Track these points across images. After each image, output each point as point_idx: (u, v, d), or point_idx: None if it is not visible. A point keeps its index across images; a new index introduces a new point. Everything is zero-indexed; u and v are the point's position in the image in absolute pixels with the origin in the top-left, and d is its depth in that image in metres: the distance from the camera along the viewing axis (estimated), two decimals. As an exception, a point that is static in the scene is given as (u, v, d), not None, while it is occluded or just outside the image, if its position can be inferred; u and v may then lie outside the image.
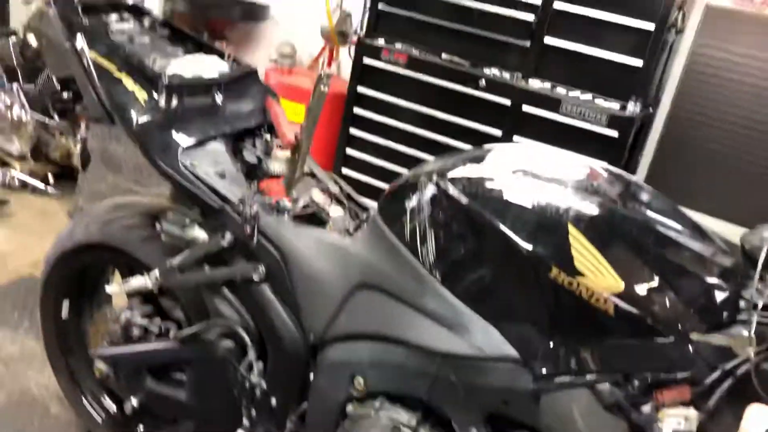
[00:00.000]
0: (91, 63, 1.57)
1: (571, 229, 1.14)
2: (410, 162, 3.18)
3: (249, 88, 1.78)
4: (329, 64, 3.66)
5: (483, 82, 2.96)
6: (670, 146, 2.80)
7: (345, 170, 3.39)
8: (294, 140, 1.61)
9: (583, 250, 1.12)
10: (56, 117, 3.79)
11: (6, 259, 3.15)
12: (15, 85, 3.81)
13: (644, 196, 1.29)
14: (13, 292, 2.78)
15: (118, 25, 1.74)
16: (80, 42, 1.59)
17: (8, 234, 3.40)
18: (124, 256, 1.78)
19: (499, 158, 1.35)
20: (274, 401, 1.54)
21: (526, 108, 2.89)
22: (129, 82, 1.55)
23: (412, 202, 1.35)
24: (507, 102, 2.92)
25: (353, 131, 3.33)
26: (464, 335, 1.24)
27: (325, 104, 3.48)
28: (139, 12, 1.86)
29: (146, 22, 1.84)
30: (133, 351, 1.75)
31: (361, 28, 3.59)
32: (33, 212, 3.67)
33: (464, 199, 1.24)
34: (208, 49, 1.83)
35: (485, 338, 1.22)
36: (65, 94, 1.58)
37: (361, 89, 3.27)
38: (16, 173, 3.83)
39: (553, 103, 2.83)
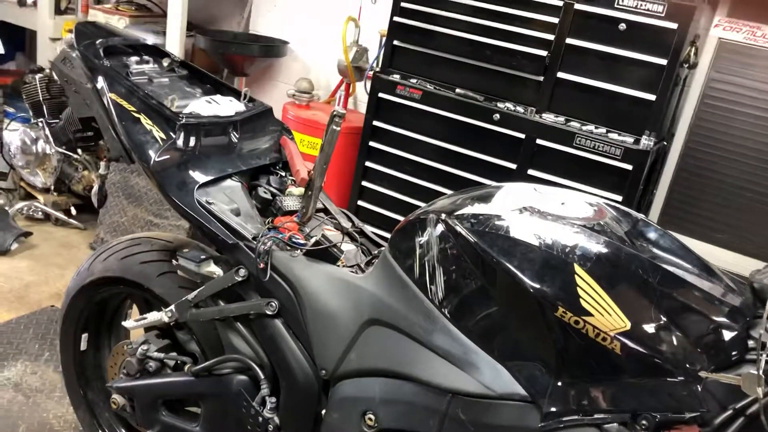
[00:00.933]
0: (111, 103, 1.63)
1: (578, 268, 1.16)
2: (425, 194, 3.20)
3: (264, 126, 1.83)
4: (346, 99, 3.72)
5: (497, 116, 2.98)
6: (685, 179, 2.79)
7: (361, 202, 3.42)
8: (307, 177, 1.64)
9: (589, 290, 1.13)
10: (79, 151, 3.89)
11: (29, 290, 3.21)
12: (41, 120, 3.93)
13: (651, 234, 1.30)
14: (35, 322, 2.83)
15: (138, 66, 1.81)
16: (101, 83, 1.65)
17: (31, 265, 3.47)
18: (142, 290, 1.82)
19: (506, 197, 1.37)
20: (286, 436, 1.56)
21: (540, 141, 2.90)
22: (147, 122, 1.61)
23: (421, 240, 1.38)
24: (521, 135, 2.94)
25: (369, 164, 3.36)
26: (473, 373, 1.25)
27: (341, 137, 3.52)
28: (158, 53, 1.92)
29: (165, 63, 1.90)
30: (149, 384, 1.78)
31: (377, 64, 3.66)
32: (55, 244, 3.75)
33: (472, 237, 1.26)
34: (225, 89, 1.89)
35: (494, 377, 1.23)
36: (88, 133, 1.64)
37: (376, 123, 3.31)
38: (40, 205, 3.92)
39: (566, 137, 2.84)
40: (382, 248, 1.64)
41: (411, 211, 3.23)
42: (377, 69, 3.35)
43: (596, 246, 1.20)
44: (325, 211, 1.79)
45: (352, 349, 1.46)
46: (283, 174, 1.82)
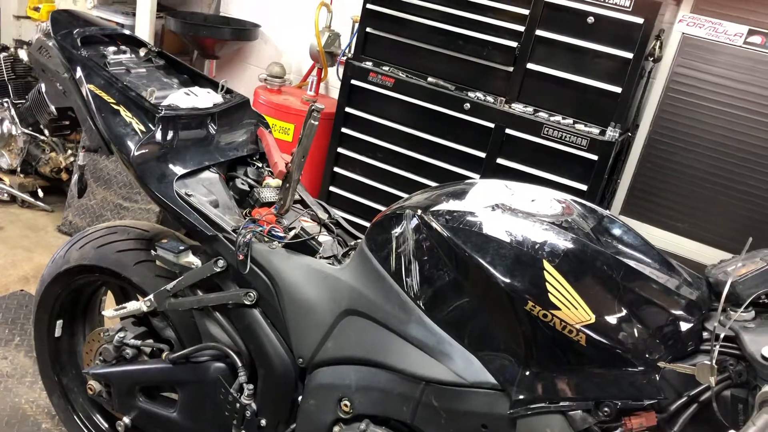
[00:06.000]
0: (89, 95, 1.63)
1: (546, 264, 1.22)
2: (396, 181, 3.25)
3: (241, 118, 1.85)
4: (318, 84, 3.73)
5: (467, 105, 3.03)
6: (648, 170, 2.88)
7: (332, 188, 3.45)
8: (285, 170, 1.67)
9: (557, 285, 1.20)
10: (46, 132, 3.83)
11: (-5, 274, 3.18)
12: (6, 100, 3.86)
13: (616, 231, 1.37)
14: (4, 307, 2.82)
15: (116, 56, 1.80)
16: (79, 74, 1.65)
17: (-3, 248, 3.43)
18: (118, 278, 1.84)
19: (480, 193, 1.43)
20: (263, 422, 1.60)
21: (509, 131, 2.97)
22: (127, 114, 1.62)
23: (397, 233, 1.43)
24: (491, 125, 3.00)
25: (341, 150, 3.39)
26: (446, 362, 1.31)
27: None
28: (135, 42, 1.92)
29: (142, 52, 1.90)
30: (126, 370, 1.80)
31: (350, 50, 3.67)
32: (22, 226, 3.70)
33: (446, 233, 1.31)
34: (202, 79, 1.90)
35: (465, 366, 1.29)
36: (64, 122, 1.63)
37: (348, 109, 3.34)
38: (5, 187, 3.86)
39: (535, 127, 2.91)
40: (359, 240, 1.68)
41: (382, 197, 3.31)
42: (350, 55, 3.36)
43: (564, 243, 1.27)
44: (302, 202, 1.83)
45: (328, 338, 1.51)
46: (260, 165, 1.85)
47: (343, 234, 1.76)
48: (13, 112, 3.82)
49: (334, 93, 3.88)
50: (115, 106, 1.62)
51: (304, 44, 3.81)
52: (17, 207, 3.89)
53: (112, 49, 1.82)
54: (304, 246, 1.61)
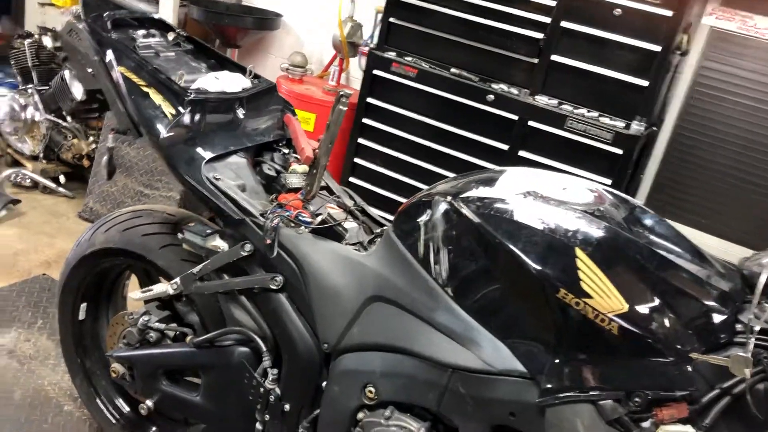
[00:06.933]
0: (120, 77, 1.64)
1: (579, 252, 1.21)
2: (417, 172, 3.24)
3: (268, 104, 1.84)
4: (339, 75, 3.72)
5: (491, 97, 3.01)
6: (673, 165, 2.86)
7: (352, 179, 3.45)
8: (312, 156, 1.67)
9: (589, 273, 1.19)
10: (69, 118, 3.86)
11: (18, 258, 3.21)
12: (30, 87, 3.89)
13: (648, 221, 1.36)
14: (27, 290, 2.85)
15: (145, 40, 1.81)
16: (110, 56, 1.66)
17: (19, 233, 3.46)
18: (143, 262, 1.84)
19: (510, 181, 1.42)
20: (287, 407, 1.60)
21: (533, 123, 2.94)
22: (156, 97, 1.62)
23: (426, 220, 1.42)
24: (514, 117, 2.98)
25: (361, 141, 3.39)
26: (474, 350, 1.31)
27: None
28: (164, 27, 1.92)
29: (170, 37, 1.91)
30: (150, 353, 1.81)
31: (372, 40, 3.66)
32: (43, 212, 3.73)
33: (477, 219, 1.30)
34: (230, 64, 1.90)
35: (494, 353, 1.28)
36: (93, 105, 1.64)
37: (370, 100, 3.33)
38: (28, 172, 3.90)
39: (558, 120, 2.88)
40: (385, 227, 1.68)
41: (403, 189, 3.30)
42: (373, 46, 3.35)
43: (597, 231, 1.25)
44: (328, 189, 1.82)
45: (354, 324, 1.50)
46: (286, 151, 1.85)
47: (368, 221, 1.76)
48: (36, 98, 3.85)
49: (356, 83, 3.87)
50: (145, 89, 1.63)
51: (325, 34, 3.81)
52: (39, 193, 3.92)
53: (141, 32, 1.83)
54: (330, 232, 1.61)
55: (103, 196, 3.71)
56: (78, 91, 3.74)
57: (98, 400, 2.10)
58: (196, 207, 3.50)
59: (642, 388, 1.17)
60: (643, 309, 1.18)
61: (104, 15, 1.75)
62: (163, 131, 1.60)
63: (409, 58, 3.23)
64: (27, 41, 3.92)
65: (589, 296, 1.18)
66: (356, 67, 3.80)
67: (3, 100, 3.84)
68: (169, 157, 1.60)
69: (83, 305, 2.07)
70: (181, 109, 1.62)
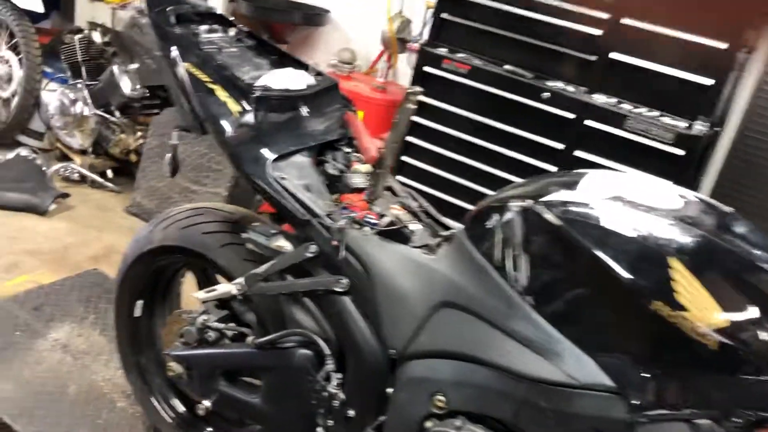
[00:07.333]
0: (185, 73, 1.61)
1: (674, 261, 1.14)
2: (467, 172, 3.18)
3: (331, 101, 1.80)
4: (388, 71, 3.68)
5: (546, 95, 2.94)
6: (737, 168, 2.76)
7: (400, 177, 3.40)
8: (377, 155, 1.63)
9: (686, 284, 1.12)
10: (117, 113, 3.88)
11: (68, 251, 3.24)
12: (79, 82, 3.92)
13: (742, 229, 1.28)
14: (78, 285, 2.85)
15: (207, 35, 1.78)
16: (175, 52, 1.63)
17: (69, 227, 3.49)
18: (203, 260, 1.82)
19: (592, 184, 1.35)
20: (351, 412, 1.56)
21: (589, 122, 2.86)
22: (222, 94, 1.59)
23: (502, 225, 1.36)
24: (570, 115, 2.90)
25: (410, 139, 3.34)
26: (556, 362, 1.25)
27: (381, 110, 3.47)
28: (225, 22, 1.89)
29: (232, 32, 1.87)
30: (209, 353, 1.79)
31: (420, 36, 3.61)
32: (91, 206, 3.76)
33: (561, 225, 1.24)
34: (292, 61, 1.86)
35: (579, 366, 1.22)
36: (154, 101, 1.61)
37: (420, 97, 3.27)
38: (76, 167, 3.93)
39: (617, 119, 2.80)
40: (453, 230, 1.63)
41: (452, 188, 3.24)
42: (423, 42, 3.30)
43: (692, 239, 1.18)
44: (391, 189, 1.78)
45: (422, 329, 1.45)
46: (348, 150, 1.80)
47: (433, 223, 1.71)
48: (86, 93, 3.87)
49: (403, 80, 3.83)
50: (211, 86, 1.60)
51: (372, 30, 3.76)
52: (87, 187, 3.95)
53: (204, 27, 1.80)
54: (397, 234, 1.56)
55: (150, 191, 3.71)
56: (127, 86, 3.76)
57: (153, 398, 2.08)
58: (243, 203, 3.49)
59: (741, 407, 1.10)
60: (743, 323, 1.11)
61: (168, 9, 1.73)
62: (229, 129, 1.56)
63: (461, 55, 3.18)
64: (77, 36, 3.94)
65: (685, 309, 1.11)
66: (404, 64, 3.75)
67: (53, 95, 3.88)
68: (235, 155, 1.57)
69: (139, 302, 2.06)
70: (246, 106, 1.59)
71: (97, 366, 2.42)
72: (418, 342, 1.47)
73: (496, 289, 1.35)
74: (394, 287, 1.50)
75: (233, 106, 1.59)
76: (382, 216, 1.59)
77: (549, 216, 1.26)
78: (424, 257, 1.51)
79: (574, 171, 1.46)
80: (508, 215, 1.35)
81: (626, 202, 1.27)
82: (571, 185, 1.36)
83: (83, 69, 3.94)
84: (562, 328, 1.25)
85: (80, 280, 2.88)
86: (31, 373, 2.30)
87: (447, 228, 1.71)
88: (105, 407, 2.24)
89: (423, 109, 3.27)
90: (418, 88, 1.51)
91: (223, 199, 3.51)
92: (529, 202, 1.32)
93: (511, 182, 3.02)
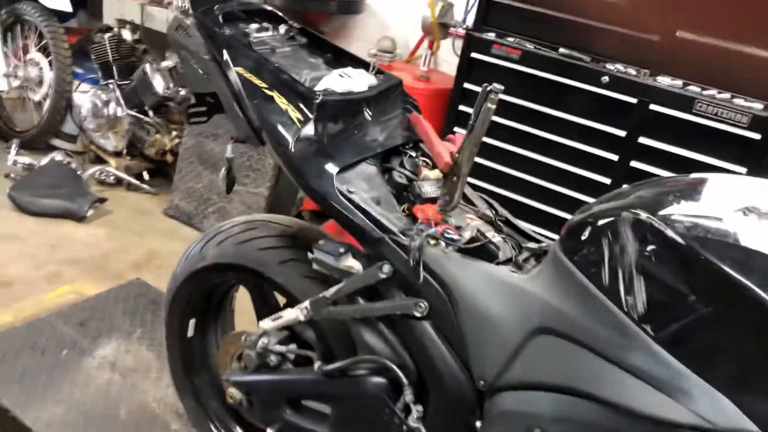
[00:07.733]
0: (238, 79, 1.46)
1: (834, 287, 0.97)
2: (521, 164, 3.01)
3: (395, 102, 1.64)
4: (430, 59, 3.49)
5: (606, 79, 2.74)
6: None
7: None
8: (450, 160, 1.46)
9: None
10: (151, 113, 3.77)
11: (108, 259, 3.14)
12: (111, 82, 3.80)
13: None
14: (123, 297, 2.75)
15: (258, 34, 1.62)
16: (226, 55, 1.48)
17: (108, 232, 3.39)
18: (260, 278, 1.68)
19: (718, 192, 1.18)
20: (434, 448, 1.42)
21: (654, 107, 2.66)
22: (282, 101, 1.43)
23: (610, 241, 1.19)
24: (632, 100, 2.70)
25: (457, 129, 3.16)
26: (684, 401, 1.08)
27: (423, 99, 3.29)
28: (275, 18, 1.74)
29: (282, 29, 1.72)
30: (273, 380, 1.66)
31: (464, 20, 3.42)
32: (129, 210, 3.66)
33: (689, 244, 1.07)
34: (349, 58, 1.70)
35: (714, 407, 1.06)
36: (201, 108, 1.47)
37: (467, 85, 3.10)
38: (112, 170, 3.83)
39: (685, 102, 2.60)
40: (542, 244, 1.47)
41: (504, 181, 3.06)
42: (469, 26, 3.11)
43: None
44: (464, 197, 1.61)
45: (516, 359, 1.30)
46: (414, 155, 1.64)
47: (515, 234, 1.54)
48: (118, 93, 3.76)
49: (445, 67, 3.64)
50: (268, 92, 1.44)
51: (410, 17, 3.57)
52: (123, 190, 3.86)
53: (254, 26, 1.64)
54: (482, 250, 1.40)
55: (188, 193, 3.60)
56: (160, 84, 3.64)
57: (210, 423, 1.96)
58: (284, 206, 3.37)
59: None
60: None
61: (215, 8, 1.58)
62: (291, 140, 1.40)
63: (511, 39, 2.98)
64: (107, 35, 3.83)
65: None
66: (446, 51, 3.57)
67: (85, 96, 3.77)
68: (297, 170, 1.41)
69: (192, 321, 1.93)
70: (308, 113, 1.43)
71: (147, 384, 2.32)
72: (511, 372, 1.31)
73: (605, 316, 1.18)
74: (482, 311, 1.34)
75: (294, 114, 1.43)
76: (460, 228, 1.43)
77: (671, 233, 1.09)
78: (515, 277, 1.35)
79: (690, 176, 1.28)
80: (618, 229, 1.18)
81: (762, 214, 1.09)
82: (694, 195, 1.19)
83: (114, 68, 3.83)
84: (692, 364, 1.08)
85: (124, 291, 2.78)
86: (81, 395, 2.20)
87: (530, 238, 1.55)
88: (158, 429, 2.13)
89: (471, 98, 3.08)
90: (498, 86, 1.34)
91: (263, 198, 3.38)
92: (644, 215, 1.15)
93: (569, 173, 2.88)
